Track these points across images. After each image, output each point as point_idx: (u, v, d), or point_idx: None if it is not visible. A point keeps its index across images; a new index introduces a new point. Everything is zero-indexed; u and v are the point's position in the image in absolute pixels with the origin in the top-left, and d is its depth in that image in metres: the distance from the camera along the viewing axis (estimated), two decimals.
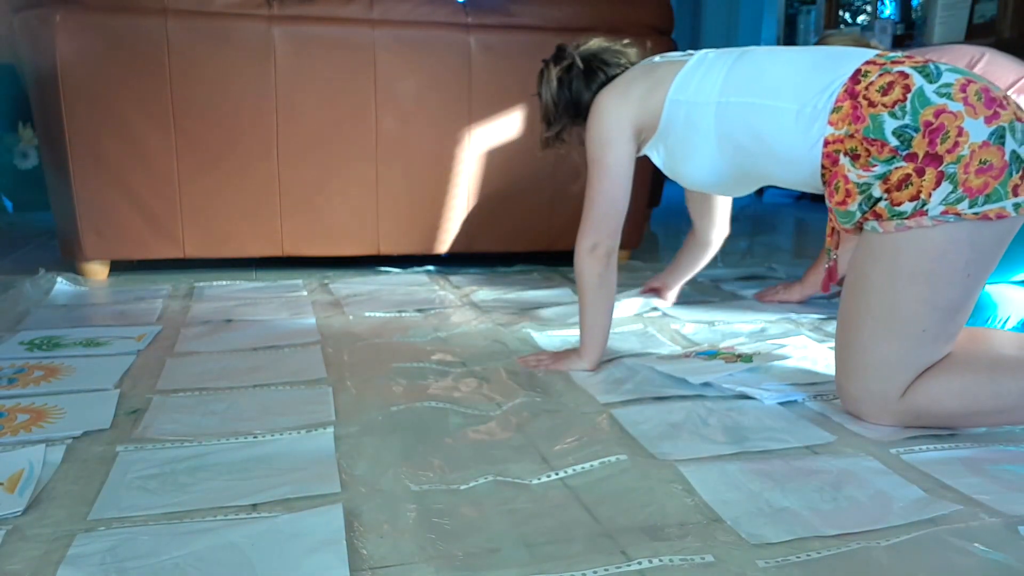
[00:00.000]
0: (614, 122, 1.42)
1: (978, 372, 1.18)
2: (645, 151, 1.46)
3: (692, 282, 2.40)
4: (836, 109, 1.18)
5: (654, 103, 1.39)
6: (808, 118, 1.21)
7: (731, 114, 1.30)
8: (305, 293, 2.16)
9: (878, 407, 1.20)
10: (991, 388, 1.17)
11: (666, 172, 1.46)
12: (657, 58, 1.46)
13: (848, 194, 1.18)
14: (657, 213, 4.09)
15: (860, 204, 1.16)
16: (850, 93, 1.18)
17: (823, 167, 1.22)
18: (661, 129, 1.39)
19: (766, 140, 1.27)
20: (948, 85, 1.13)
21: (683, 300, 2.12)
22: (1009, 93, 1.52)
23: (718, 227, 1.83)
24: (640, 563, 0.83)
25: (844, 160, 1.18)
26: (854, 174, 1.16)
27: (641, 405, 1.31)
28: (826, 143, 1.19)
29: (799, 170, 1.26)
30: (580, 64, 1.52)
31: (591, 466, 1.07)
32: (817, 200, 5.03)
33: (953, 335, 1.19)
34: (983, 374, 1.18)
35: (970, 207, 1.10)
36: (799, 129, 1.22)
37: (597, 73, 1.51)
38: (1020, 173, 1.10)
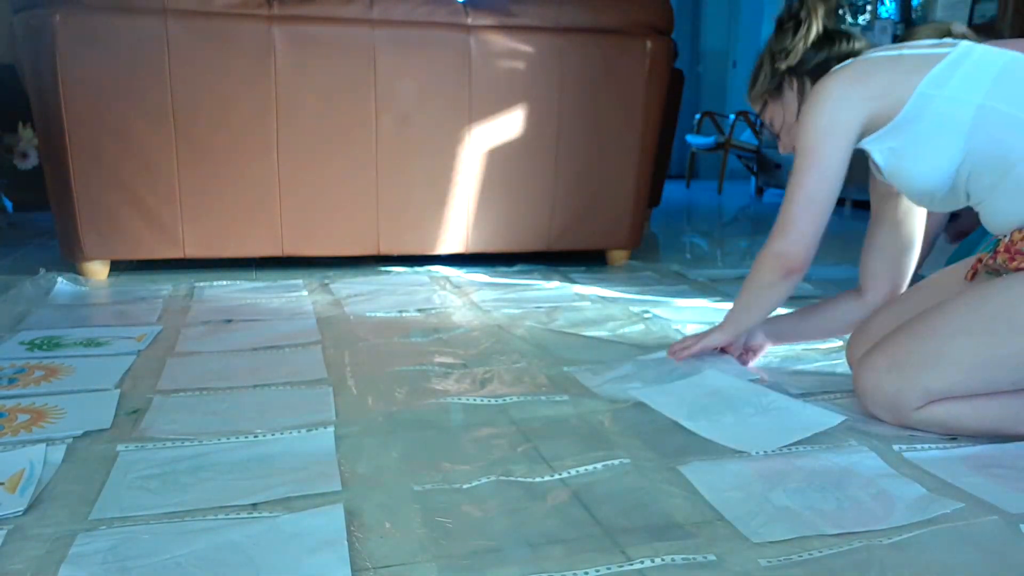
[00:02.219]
0: (842, 111, 1.23)
1: (1003, 395, 1.16)
2: (865, 145, 1.26)
3: (691, 282, 2.41)
4: None
5: (898, 93, 1.20)
6: None
7: (991, 121, 1.16)
8: (305, 293, 2.16)
9: (897, 408, 1.19)
10: (1010, 408, 1.16)
11: (885, 171, 1.27)
12: (895, 50, 1.27)
13: None
14: (657, 213, 4.10)
15: None
16: None
17: None
18: (898, 122, 1.21)
19: (1009, 159, 1.15)
20: None
21: (682, 300, 2.13)
22: None
23: (894, 269, 1.45)
24: (642, 562, 0.83)
25: None
26: None
27: (645, 405, 1.31)
28: None
29: (1016, 208, 1.15)
30: (819, 27, 1.32)
31: (593, 468, 1.06)
32: None
33: (1021, 385, 1.15)
34: (1012, 396, 1.16)
35: None
36: None
37: (836, 43, 1.34)
38: None
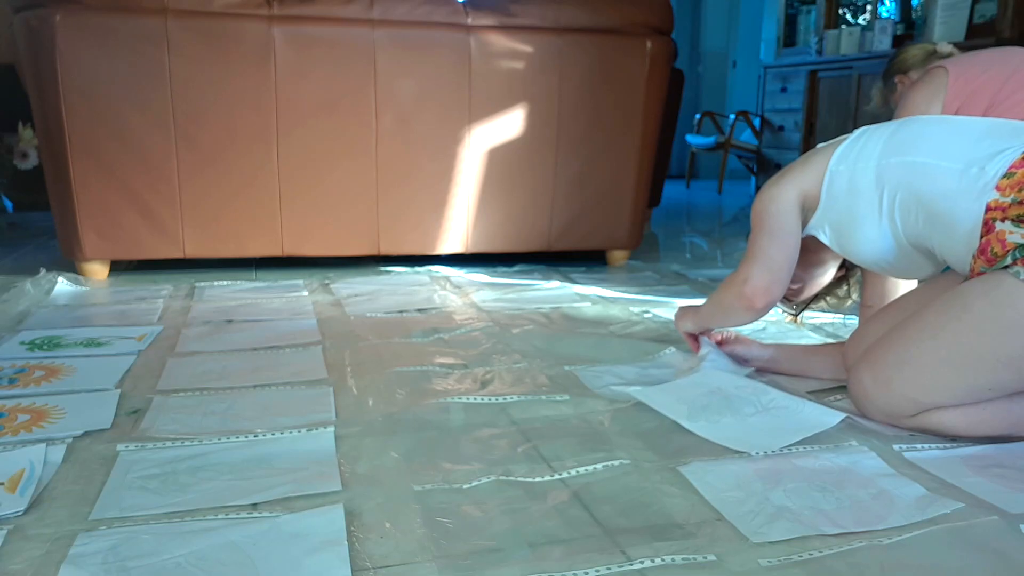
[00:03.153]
0: (777, 190, 1.37)
1: (993, 403, 1.16)
2: (810, 231, 1.37)
3: (692, 282, 2.41)
4: (1009, 175, 1.12)
5: (815, 175, 1.34)
6: (973, 178, 1.15)
7: (891, 174, 1.24)
8: (306, 293, 2.16)
9: (890, 416, 1.20)
10: (1006, 418, 1.16)
11: (838, 251, 1.37)
12: (819, 145, 1.42)
13: (1004, 252, 1.11)
14: (657, 213, 4.10)
15: (1013, 253, 1.10)
16: None
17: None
18: (824, 203, 1.33)
19: (925, 199, 1.20)
20: None
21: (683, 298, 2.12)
22: None
23: None
24: (642, 562, 0.83)
25: (1003, 225, 1.11)
26: (1017, 235, 1.09)
27: (646, 406, 1.31)
28: (987, 209, 1.12)
29: (958, 232, 1.17)
30: None
31: (593, 468, 1.06)
32: None
33: (1004, 391, 1.15)
34: (999, 404, 1.16)
35: None
36: (962, 188, 1.16)
37: None
38: None
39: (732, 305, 1.38)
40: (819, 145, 1.42)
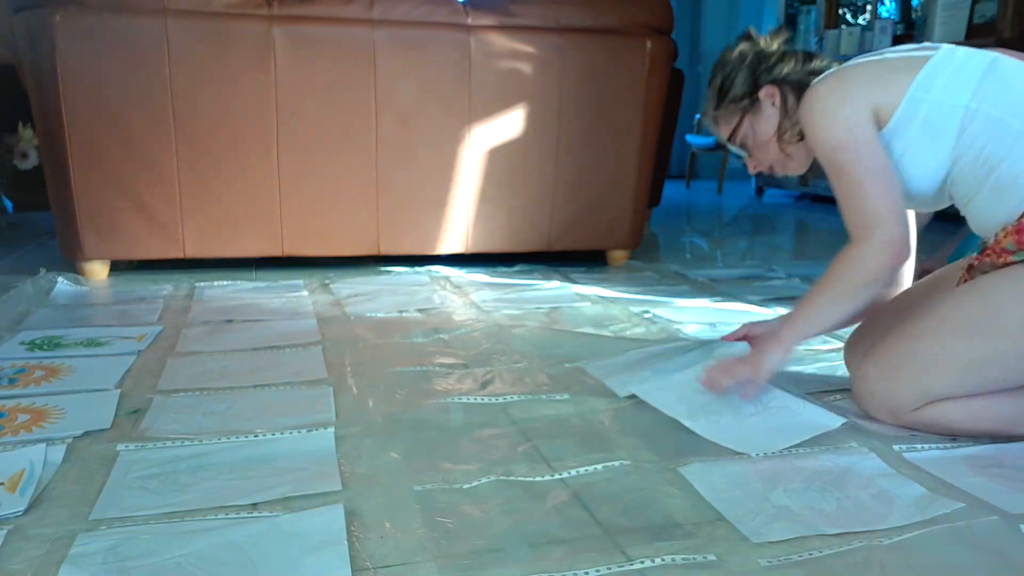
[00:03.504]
0: (848, 106, 1.19)
1: (996, 395, 1.16)
2: None
3: (692, 282, 2.41)
4: None
5: (892, 93, 1.18)
6: None
7: (977, 125, 1.15)
8: (306, 293, 2.16)
9: (894, 411, 1.20)
10: (1008, 413, 1.16)
11: None
12: (877, 55, 1.25)
13: None
14: (657, 213, 4.10)
15: None
16: None
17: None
18: (892, 126, 1.19)
19: (993, 162, 1.14)
20: None
21: (683, 298, 2.12)
22: None
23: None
24: (642, 562, 0.83)
25: None
26: None
27: (646, 405, 1.31)
28: None
29: (1005, 206, 1.13)
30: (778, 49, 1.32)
31: (593, 468, 1.06)
32: (818, 200, 5.03)
33: (1013, 384, 1.15)
34: (1001, 399, 1.16)
35: None
36: None
37: (815, 60, 1.32)
38: None
39: (876, 274, 1.17)
40: (886, 52, 1.24)
